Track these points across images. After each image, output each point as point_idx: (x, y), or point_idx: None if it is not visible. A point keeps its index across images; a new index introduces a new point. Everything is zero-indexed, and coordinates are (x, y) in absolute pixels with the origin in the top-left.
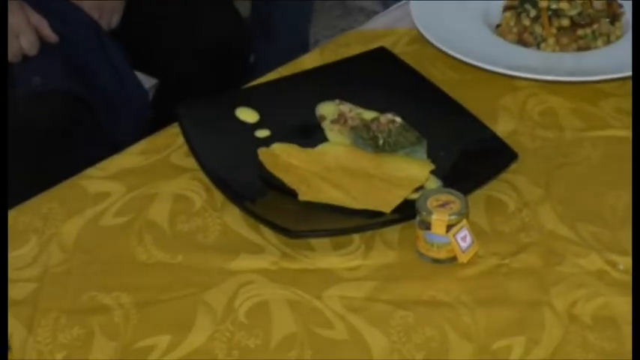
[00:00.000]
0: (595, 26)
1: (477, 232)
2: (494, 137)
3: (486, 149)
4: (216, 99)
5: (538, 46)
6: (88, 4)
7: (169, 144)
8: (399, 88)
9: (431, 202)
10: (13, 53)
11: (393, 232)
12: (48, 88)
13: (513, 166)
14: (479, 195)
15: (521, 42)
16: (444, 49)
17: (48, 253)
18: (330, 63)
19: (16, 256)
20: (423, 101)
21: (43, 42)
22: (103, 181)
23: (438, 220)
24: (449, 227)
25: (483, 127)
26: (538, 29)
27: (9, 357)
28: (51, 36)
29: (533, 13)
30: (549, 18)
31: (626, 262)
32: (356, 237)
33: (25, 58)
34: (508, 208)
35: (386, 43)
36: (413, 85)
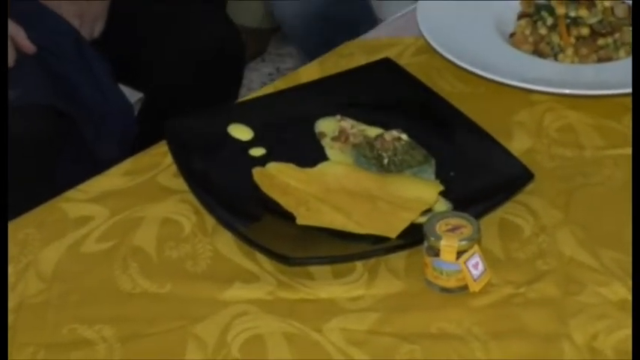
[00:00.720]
0: (617, 35)
1: (489, 259)
2: (509, 156)
3: (500, 169)
4: (207, 114)
5: (555, 57)
6: (68, 12)
7: (156, 163)
8: (405, 102)
9: (440, 227)
10: None
11: (398, 259)
12: (26, 102)
13: (529, 187)
14: (492, 219)
15: (538, 52)
16: (453, 60)
17: (25, 282)
18: (331, 75)
19: None
20: (431, 117)
21: (19, 53)
22: (85, 204)
23: (448, 246)
24: (459, 254)
25: (497, 145)
26: (555, 39)
27: None
28: (28, 46)
29: (550, 21)
30: (567, 27)
31: None
32: (359, 264)
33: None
34: (523, 233)
35: (391, 53)
36: (420, 100)
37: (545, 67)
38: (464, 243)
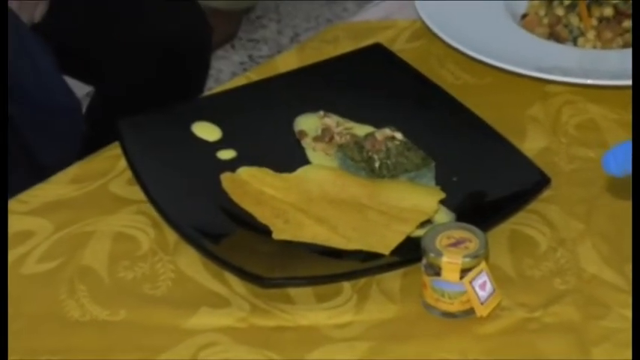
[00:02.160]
0: None
1: (499, 278)
2: (521, 157)
3: (511, 173)
4: (167, 111)
5: (574, 42)
6: None
7: (108, 169)
8: (399, 95)
9: (441, 241)
10: None
11: (392, 280)
12: None
13: (545, 194)
14: (501, 231)
15: (554, 37)
16: (456, 45)
17: None
18: (312, 64)
19: None
20: (430, 112)
21: None
22: (25, 217)
23: (450, 264)
24: (463, 272)
25: (506, 145)
26: (574, 20)
27: None
28: None
29: (568, 0)
30: (588, 6)
31: None
32: (346, 285)
33: None
34: (539, 247)
35: (382, 38)
36: (417, 92)
37: (563, 53)
38: (469, 259)
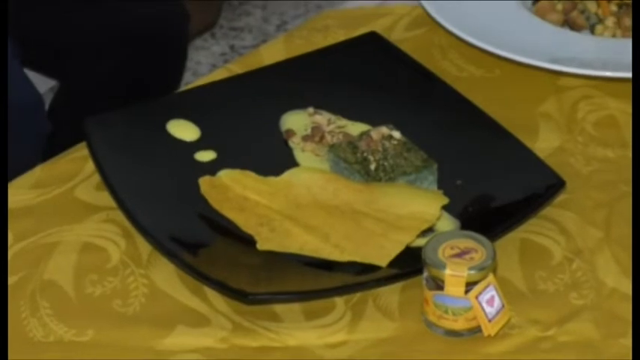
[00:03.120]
0: None
1: (509, 293)
2: (533, 158)
3: (521, 175)
4: (139, 108)
5: (592, 30)
6: None
7: (74, 172)
8: (397, 90)
9: (444, 251)
10: None
11: (390, 294)
12: None
13: (559, 199)
14: (511, 240)
15: (569, 24)
16: (460, 34)
17: None
18: (301, 55)
19: None
20: (431, 109)
21: None
22: None
23: (454, 277)
24: (469, 286)
25: (516, 144)
26: (592, 6)
27: None
28: None
29: None
30: None
31: None
32: (339, 301)
33: None
34: (553, 258)
35: (378, 26)
36: (417, 87)
37: (579, 42)
38: (475, 272)
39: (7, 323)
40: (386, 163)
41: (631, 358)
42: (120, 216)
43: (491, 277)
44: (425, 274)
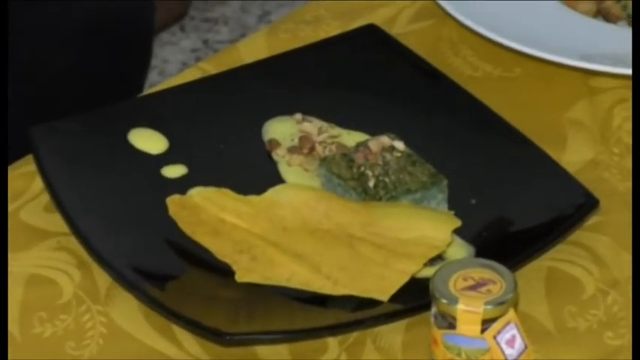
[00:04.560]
0: None
1: (533, 331)
2: (560, 173)
3: (547, 193)
4: (96, 115)
5: (629, 22)
6: None
7: (19, 191)
8: (400, 92)
9: (456, 283)
10: None
11: (393, 334)
12: None
13: (592, 221)
14: (535, 269)
15: (603, 14)
16: (474, 27)
17: None
18: (287, 52)
19: None
20: (440, 114)
21: None
22: None
23: (469, 313)
24: (486, 324)
25: (541, 157)
26: None
27: None
28: None
29: None
30: None
31: None
32: (332, 342)
33: None
34: (584, 291)
35: (378, 18)
36: (423, 88)
37: (614, 36)
38: (492, 307)
39: (7, 323)
40: (387, 179)
41: None
42: (73, 243)
43: (511, 314)
44: (433, 309)
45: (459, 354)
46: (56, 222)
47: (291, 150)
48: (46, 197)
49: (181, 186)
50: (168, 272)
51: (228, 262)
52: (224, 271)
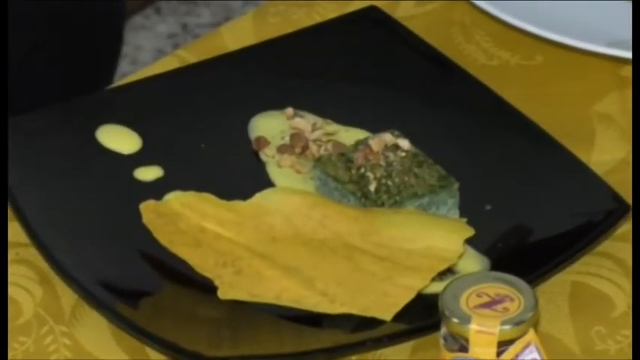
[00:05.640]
0: None
1: (556, 354)
2: (587, 174)
3: (571, 197)
4: (61, 110)
5: None
6: None
7: None
8: (405, 84)
9: (468, 300)
10: None
11: (397, 357)
12: None
13: (623, 228)
14: (559, 284)
15: None
16: (489, 9)
17: None
18: (276, 38)
19: None
20: (450, 109)
21: None
22: None
23: (483, 334)
24: (502, 346)
25: (565, 156)
26: None
27: None
28: None
29: None
30: None
31: None
32: None
33: None
34: (614, 308)
35: None
36: (431, 79)
37: None
38: (510, 327)
39: (6, 323)
40: (390, 183)
41: None
42: (34, 255)
43: (531, 335)
44: (443, 330)
45: None
46: (15, 231)
47: (282, 149)
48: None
49: (157, 190)
50: (141, 288)
51: (209, 276)
52: (205, 287)
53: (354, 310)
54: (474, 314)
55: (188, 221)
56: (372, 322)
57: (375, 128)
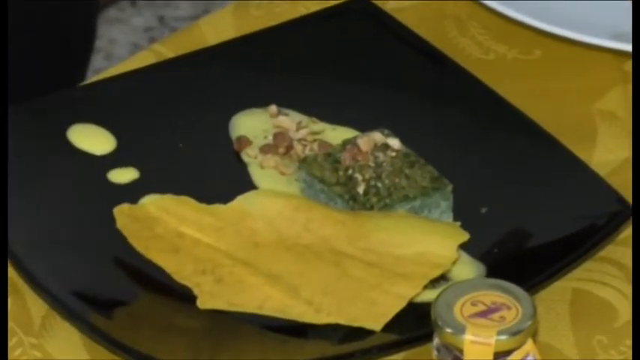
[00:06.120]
0: None
1: None
2: (589, 175)
3: (572, 199)
4: (30, 109)
5: None
6: None
7: None
8: (395, 79)
9: (463, 308)
10: None
11: None
12: None
13: (626, 232)
14: (559, 291)
15: None
16: (485, 1)
17: None
18: (258, 32)
19: None
20: (444, 106)
21: None
22: None
23: (478, 344)
24: (499, 357)
25: (565, 156)
26: None
27: None
28: None
29: None
30: None
31: None
32: None
33: None
34: (617, 317)
35: None
36: (423, 74)
37: None
38: (507, 338)
39: (7, 322)
40: (380, 184)
41: None
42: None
43: (529, 345)
44: (436, 341)
45: None
46: None
47: (265, 149)
48: None
49: (132, 193)
50: (115, 297)
51: (188, 284)
52: (183, 296)
53: (341, 320)
54: (468, 324)
55: (165, 226)
56: (361, 333)
57: (363, 127)
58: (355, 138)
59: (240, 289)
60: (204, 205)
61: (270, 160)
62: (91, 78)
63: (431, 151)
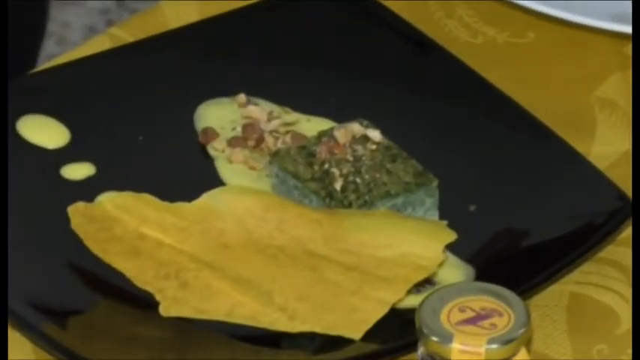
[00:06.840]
0: None
1: None
2: (587, 169)
3: (569, 195)
4: None
5: None
6: None
7: None
8: (375, 65)
9: (450, 314)
10: None
11: None
12: None
13: (628, 231)
14: (555, 295)
15: None
16: None
17: None
18: (225, 14)
19: None
20: (428, 94)
21: None
22: None
23: (467, 354)
24: None
25: (562, 148)
26: None
27: None
28: None
29: None
30: None
31: None
32: None
33: None
34: (619, 323)
35: None
36: (407, 60)
37: None
38: (498, 346)
39: (7, 321)
40: (359, 180)
41: None
42: None
43: (523, 355)
44: (420, 350)
45: None
46: None
47: (233, 142)
48: None
49: (88, 190)
50: (71, 305)
51: (150, 290)
52: (145, 303)
53: (318, 328)
54: (456, 332)
55: (124, 226)
56: (339, 342)
57: (340, 117)
58: (332, 129)
59: (207, 294)
60: (166, 204)
61: (239, 153)
62: (43, 65)
63: (414, 143)
